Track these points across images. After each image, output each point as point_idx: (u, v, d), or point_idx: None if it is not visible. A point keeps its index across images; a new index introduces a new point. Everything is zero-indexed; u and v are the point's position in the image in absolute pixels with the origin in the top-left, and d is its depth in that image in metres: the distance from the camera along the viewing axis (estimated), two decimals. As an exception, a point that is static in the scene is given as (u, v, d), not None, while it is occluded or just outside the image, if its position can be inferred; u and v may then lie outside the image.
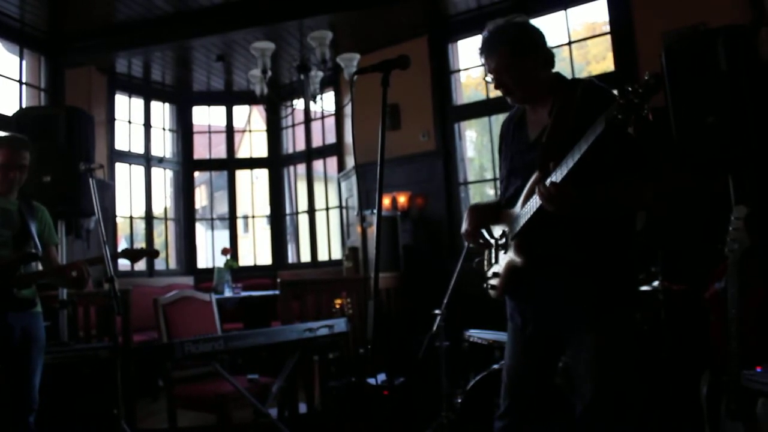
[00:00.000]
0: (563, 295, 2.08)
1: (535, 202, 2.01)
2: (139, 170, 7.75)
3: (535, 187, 2.00)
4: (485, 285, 2.36)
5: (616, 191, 2.00)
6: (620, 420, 2.01)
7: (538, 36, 2.17)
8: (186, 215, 8.20)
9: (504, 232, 2.27)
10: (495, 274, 2.30)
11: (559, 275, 2.08)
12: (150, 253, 3.42)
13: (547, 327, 2.16)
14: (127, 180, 7.63)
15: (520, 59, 2.11)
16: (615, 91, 1.79)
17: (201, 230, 9.80)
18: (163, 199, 8.26)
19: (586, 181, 1.94)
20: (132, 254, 3.31)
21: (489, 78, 2.21)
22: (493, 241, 2.35)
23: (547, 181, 1.93)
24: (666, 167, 2.05)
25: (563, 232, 2.05)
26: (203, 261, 8.68)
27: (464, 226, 2.36)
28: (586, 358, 2.05)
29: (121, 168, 7.49)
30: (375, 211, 2.02)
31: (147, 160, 7.81)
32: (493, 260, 2.33)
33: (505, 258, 2.24)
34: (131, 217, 7.72)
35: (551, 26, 6.08)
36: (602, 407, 2.01)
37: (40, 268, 3.21)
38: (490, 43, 2.16)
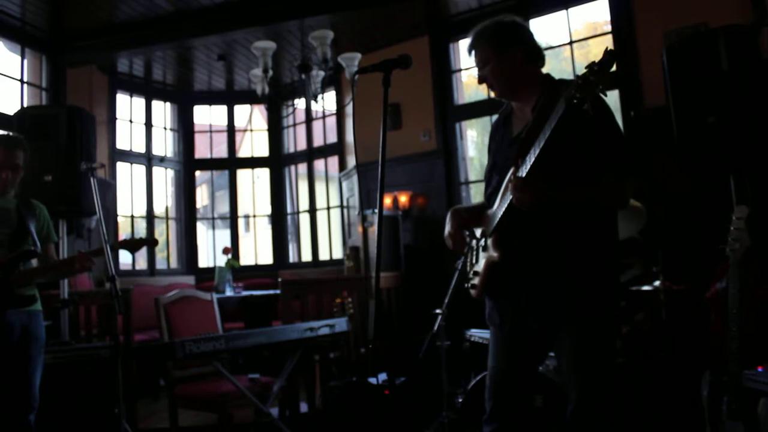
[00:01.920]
0: (541, 295, 2.07)
1: (509, 196, 2.03)
2: (140, 169, 7.76)
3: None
4: (466, 285, 2.36)
5: (591, 191, 2.01)
6: (607, 421, 2.01)
7: (520, 32, 2.20)
8: (187, 214, 8.20)
9: (484, 231, 2.27)
10: (475, 273, 2.30)
11: (536, 273, 2.08)
12: (149, 242, 3.42)
13: (526, 326, 2.14)
14: (129, 179, 7.63)
15: (498, 55, 2.15)
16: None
17: (202, 229, 9.80)
18: (165, 199, 8.27)
19: (563, 179, 1.96)
20: (131, 244, 3.32)
21: (476, 72, 2.26)
22: (474, 243, 2.35)
23: (516, 175, 1.95)
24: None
25: (540, 228, 2.05)
26: (204, 260, 8.69)
27: (447, 229, 2.36)
28: (567, 361, 2.07)
29: (122, 167, 7.50)
30: (376, 210, 2.02)
31: (148, 159, 7.81)
32: (474, 260, 2.33)
33: (483, 256, 2.24)
34: (132, 217, 7.72)
35: (552, 26, 6.08)
36: (587, 409, 2.01)
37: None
38: (472, 40, 2.23)
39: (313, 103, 5.53)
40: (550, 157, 1.88)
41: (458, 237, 2.33)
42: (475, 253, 2.34)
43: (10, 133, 3.44)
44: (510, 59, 2.15)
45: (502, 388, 2.22)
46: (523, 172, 1.93)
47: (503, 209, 2.08)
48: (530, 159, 1.91)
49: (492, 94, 2.31)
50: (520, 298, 2.13)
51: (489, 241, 2.20)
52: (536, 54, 2.19)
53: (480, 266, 2.26)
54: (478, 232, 2.33)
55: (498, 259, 2.13)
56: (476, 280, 2.28)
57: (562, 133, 1.83)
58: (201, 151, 8.80)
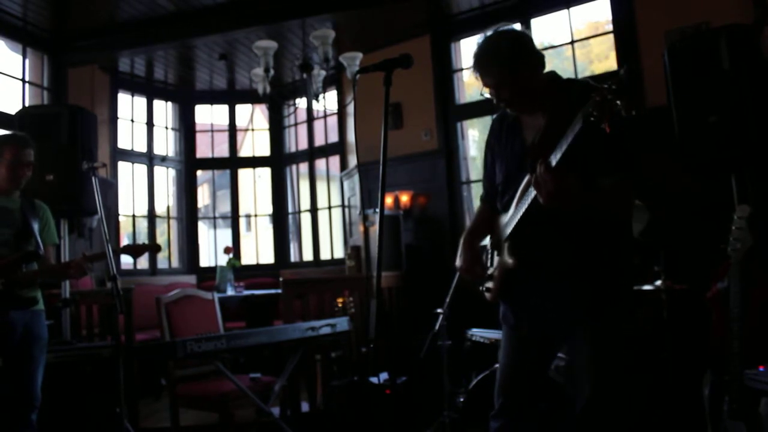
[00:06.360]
0: (558, 297, 2.09)
1: (526, 201, 2.03)
2: (141, 169, 7.76)
3: (527, 188, 2.01)
4: (481, 288, 2.37)
5: (597, 195, 2.00)
6: (619, 420, 2.01)
7: (528, 44, 2.13)
8: (188, 214, 8.21)
9: (497, 237, 2.28)
10: (489, 277, 2.30)
11: (552, 276, 2.09)
12: (152, 247, 3.42)
13: (543, 328, 2.17)
14: (130, 179, 7.64)
15: (515, 74, 2.07)
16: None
17: (203, 229, 9.81)
18: (166, 198, 8.27)
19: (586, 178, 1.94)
20: (134, 250, 3.32)
21: (486, 93, 2.18)
22: (489, 246, 2.36)
23: (540, 167, 1.89)
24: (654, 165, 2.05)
25: (553, 232, 2.06)
26: (206, 260, 8.69)
27: (459, 262, 2.35)
28: (583, 358, 2.07)
29: (123, 166, 7.50)
30: (377, 210, 2.02)
31: (149, 158, 7.82)
32: (489, 264, 2.34)
33: (498, 261, 2.25)
34: (134, 216, 7.73)
35: (554, 25, 6.07)
36: (600, 406, 2.02)
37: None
38: (484, 62, 2.11)
39: (314, 102, 5.53)
40: (569, 157, 1.86)
41: (473, 273, 2.31)
42: (489, 257, 2.35)
43: (18, 132, 3.45)
44: (526, 75, 2.08)
45: (513, 385, 2.23)
46: (554, 160, 1.88)
47: (519, 215, 2.09)
48: (556, 155, 1.87)
49: (508, 111, 2.23)
50: (536, 301, 2.15)
51: (504, 247, 2.21)
52: (541, 60, 2.14)
53: (494, 270, 2.27)
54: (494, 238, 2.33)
55: (513, 266, 2.15)
56: (491, 284, 2.29)
57: (577, 140, 1.81)
58: (202, 150, 8.81)
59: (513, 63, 2.07)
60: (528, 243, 2.12)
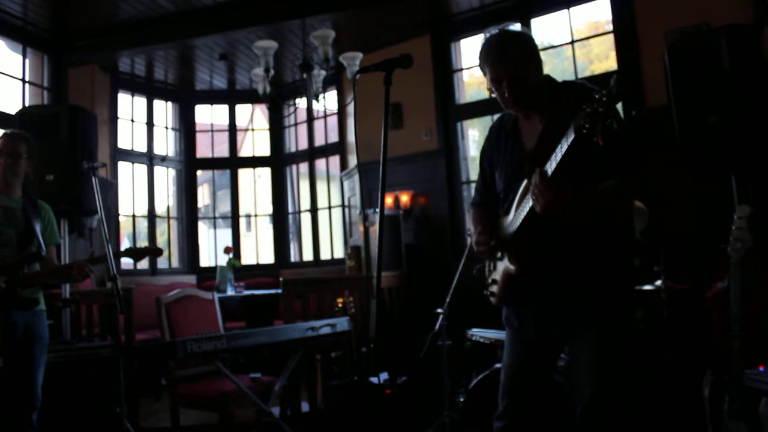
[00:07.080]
0: (561, 299, 2.09)
1: (525, 208, 2.03)
2: (141, 169, 7.76)
3: (525, 194, 2.02)
4: (486, 292, 2.37)
5: (597, 197, 2.00)
6: (619, 420, 2.01)
7: (535, 43, 2.17)
8: (189, 214, 8.21)
9: (500, 239, 2.28)
10: (494, 281, 2.31)
11: (554, 280, 2.10)
12: (154, 251, 3.42)
13: (547, 330, 2.17)
14: (130, 178, 7.64)
15: (529, 68, 2.09)
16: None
17: (203, 229, 9.81)
18: (166, 198, 8.27)
19: (581, 184, 1.95)
20: (135, 253, 3.31)
21: (493, 87, 2.15)
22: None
23: (536, 177, 1.90)
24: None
25: (554, 237, 2.07)
26: (206, 260, 8.70)
27: (475, 233, 2.33)
28: (585, 358, 2.07)
29: (123, 166, 7.50)
30: (377, 209, 2.02)
31: (150, 158, 7.82)
32: (492, 267, 2.35)
33: (501, 265, 2.25)
34: (134, 216, 7.73)
35: (554, 25, 6.07)
36: (601, 408, 2.02)
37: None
38: (504, 51, 2.09)
39: (314, 102, 5.53)
40: (564, 164, 1.87)
41: (487, 243, 2.28)
42: (491, 262, 2.36)
43: (16, 130, 3.46)
44: (535, 71, 2.10)
45: (517, 386, 2.24)
46: (549, 170, 1.90)
47: (519, 221, 2.09)
48: (551, 165, 1.89)
49: (511, 109, 2.21)
50: (539, 303, 2.15)
51: (506, 252, 2.22)
52: (541, 63, 2.16)
53: (498, 274, 2.28)
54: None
55: (515, 272, 2.16)
56: (495, 288, 2.30)
57: (573, 147, 1.81)
58: (202, 150, 8.81)
59: (531, 56, 2.10)
60: (529, 247, 2.13)
